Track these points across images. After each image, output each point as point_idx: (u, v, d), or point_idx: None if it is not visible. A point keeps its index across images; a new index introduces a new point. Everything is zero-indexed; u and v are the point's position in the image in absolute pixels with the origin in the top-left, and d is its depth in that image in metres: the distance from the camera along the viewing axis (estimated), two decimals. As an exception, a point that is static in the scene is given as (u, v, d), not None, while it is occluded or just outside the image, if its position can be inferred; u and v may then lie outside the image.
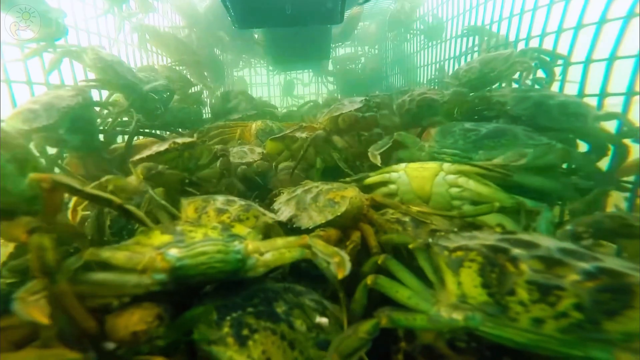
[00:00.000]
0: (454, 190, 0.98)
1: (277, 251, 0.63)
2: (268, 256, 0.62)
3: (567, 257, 0.49)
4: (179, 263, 0.55)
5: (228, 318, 0.55)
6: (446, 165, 1.01)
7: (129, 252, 0.57)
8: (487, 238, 0.57)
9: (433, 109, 1.48)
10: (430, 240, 0.62)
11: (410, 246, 0.65)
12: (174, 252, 0.56)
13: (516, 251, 0.52)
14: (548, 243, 0.53)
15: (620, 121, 1.11)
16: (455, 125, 1.16)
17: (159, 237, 0.60)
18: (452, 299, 0.55)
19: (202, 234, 0.60)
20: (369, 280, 0.62)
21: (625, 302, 0.44)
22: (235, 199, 0.91)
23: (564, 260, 0.49)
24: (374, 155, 1.21)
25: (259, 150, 1.52)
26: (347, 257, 0.61)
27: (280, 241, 0.65)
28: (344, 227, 0.85)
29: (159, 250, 0.57)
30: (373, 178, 1.13)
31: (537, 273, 0.48)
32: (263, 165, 1.44)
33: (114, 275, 0.55)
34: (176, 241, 0.58)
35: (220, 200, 0.87)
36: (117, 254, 0.56)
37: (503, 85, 1.63)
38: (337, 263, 0.60)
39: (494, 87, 1.63)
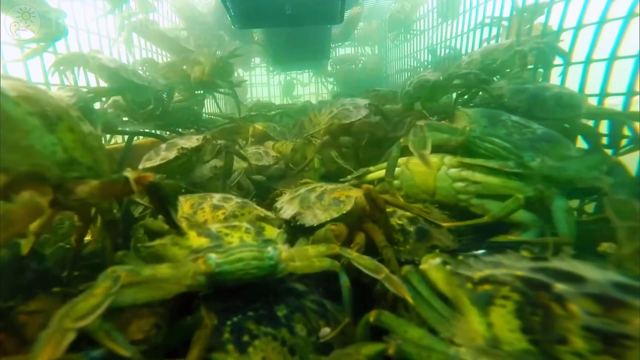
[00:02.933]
0: (458, 184, 0.93)
1: (307, 259, 0.63)
2: (297, 263, 0.62)
3: (626, 294, 0.40)
4: (218, 269, 0.55)
5: (229, 323, 0.54)
6: (447, 159, 0.97)
7: (172, 265, 0.56)
8: (516, 266, 0.47)
9: (426, 89, 1.44)
10: (448, 267, 0.53)
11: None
12: (213, 257, 0.56)
13: (559, 287, 0.42)
14: (595, 275, 0.43)
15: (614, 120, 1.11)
16: (500, 113, 1.03)
17: (196, 240, 0.60)
18: (478, 341, 0.46)
19: (238, 239, 0.60)
20: (372, 317, 0.55)
21: None
22: (232, 196, 0.91)
23: (624, 300, 0.39)
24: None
25: (272, 153, 1.53)
26: (388, 271, 0.60)
27: (311, 250, 0.65)
28: (348, 227, 0.84)
29: (199, 253, 0.57)
30: (375, 174, 1.11)
31: (593, 317, 0.39)
32: (278, 169, 1.46)
33: (163, 274, 0.54)
34: (214, 246, 0.58)
35: (216, 197, 0.87)
36: (160, 270, 0.54)
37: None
38: (387, 280, 0.58)
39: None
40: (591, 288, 0.41)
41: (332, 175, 1.36)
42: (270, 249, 0.60)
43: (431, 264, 0.55)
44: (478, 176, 0.91)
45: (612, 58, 1.18)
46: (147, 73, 2.02)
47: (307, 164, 1.44)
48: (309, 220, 0.84)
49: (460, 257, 0.53)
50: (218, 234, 0.61)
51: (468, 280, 0.48)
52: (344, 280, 0.65)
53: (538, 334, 0.41)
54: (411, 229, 0.85)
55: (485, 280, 0.46)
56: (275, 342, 0.53)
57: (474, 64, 1.60)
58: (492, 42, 1.90)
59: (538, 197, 0.81)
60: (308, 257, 0.63)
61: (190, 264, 0.55)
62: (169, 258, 0.59)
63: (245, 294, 0.61)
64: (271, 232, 0.65)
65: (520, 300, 0.43)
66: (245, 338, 0.52)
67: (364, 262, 0.61)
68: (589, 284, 0.41)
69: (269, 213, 0.89)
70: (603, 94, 1.20)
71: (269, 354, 0.51)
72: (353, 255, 0.63)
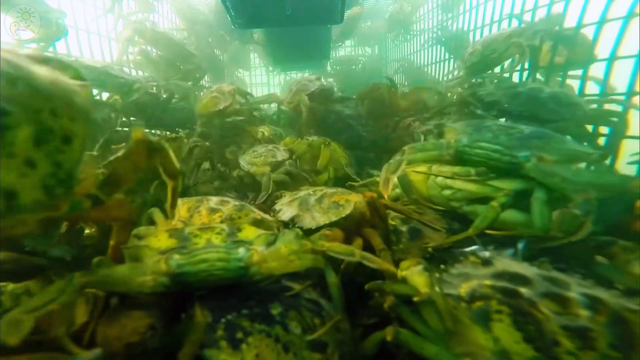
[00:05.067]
0: (447, 192, 0.93)
1: (285, 259, 0.62)
2: (273, 264, 0.61)
3: (559, 287, 0.43)
4: (178, 270, 0.55)
5: (223, 320, 0.54)
6: (434, 168, 0.97)
7: (130, 265, 0.57)
8: (480, 275, 0.50)
9: None
10: (436, 289, 0.52)
11: (415, 299, 0.57)
12: (176, 257, 0.56)
13: (523, 290, 0.44)
14: (527, 271, 0.46)
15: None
16: (484, 121, 1.01)
17: (166, 241, 0.60)
18: (486, 354, 0.47)
19: (206, 240, 0.60)
20: (389, 336, 0.54)
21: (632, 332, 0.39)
22: (230, 199, 0.91)
23: (562, 294, 0.42)
24: (387, 180, 0.96)
25: (282, 147, 1.52)
26: (363, 254, 0.62)
27: (283, 249, 0.63)
28: (346, 231, 0.84)
29: (164, 254, 0.57)
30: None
31: (561, 316, 0.41)
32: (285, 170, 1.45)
33: (120, 273, 0.56)
34: (180, 246, 0.58)
35: (214, 200, 0.87)
36: (117, 270, 0.55)
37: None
38: (363, 259, 0.61)
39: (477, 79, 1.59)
40: (540, 287, 0.43)
41: (339, 182, 1.36)
42: (240, 250, 0.59)
43: (413, 270, 0.56)
44: (459, 183, 0.90)
45: (612, 58, 1.17)
46: (139, 71, 2.03)
47: (323, 169, 1.43)
48: (307, 222, 0.84)
49: (437, 275, 0.54)
50: (188, 236, 0.61)
51: (460, 300, 0.49)
52: (330, 276, 0.64)
53: (538, 341, 0.42)
54: (404, 228, 0.85)
55: (472, 296, 0.47)
56: (269, 338, 0.53)
57: (475, 55, 1.60)
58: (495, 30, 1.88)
59: (510, 201, 0.78)
60: (281, 257, 0.61)
61: (149, 264, 0.56)
62: (141, 259, 0.59)
63: (241, 293, 0.60)
64: (249, 233, 0.64)
65: (511, 312, 0.44)
66: (239, 335, 0.52)
67: (337, 249, 0.62)
68: (535, 283, 0.43)
69: (266, 216, 0.88)
70: (603, 94, 1.20)
71: (262, 350, 0.51)
72: (325, 246, 0.63)
